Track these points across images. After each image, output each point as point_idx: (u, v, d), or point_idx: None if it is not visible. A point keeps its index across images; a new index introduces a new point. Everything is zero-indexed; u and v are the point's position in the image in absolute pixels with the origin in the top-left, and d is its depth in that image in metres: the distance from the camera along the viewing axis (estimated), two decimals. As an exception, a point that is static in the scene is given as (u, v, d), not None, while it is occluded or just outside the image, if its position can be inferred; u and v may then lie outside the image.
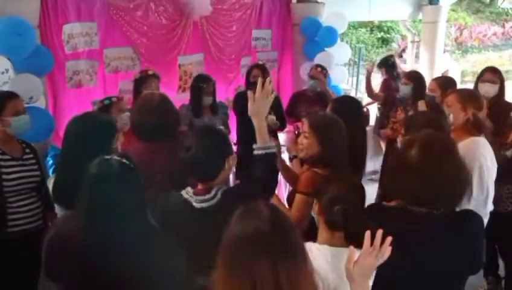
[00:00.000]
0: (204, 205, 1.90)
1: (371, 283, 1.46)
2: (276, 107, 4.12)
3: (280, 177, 2.52)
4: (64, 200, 2.17)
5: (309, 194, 2.23)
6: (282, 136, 5.06)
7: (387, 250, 1.41)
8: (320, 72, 4.54)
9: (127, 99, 3.90)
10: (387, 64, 5.64)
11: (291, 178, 2.73)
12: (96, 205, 1.61)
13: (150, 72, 3.83)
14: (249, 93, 1.98)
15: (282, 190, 5.00)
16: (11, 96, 2.64)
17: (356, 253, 1.42)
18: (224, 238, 1.21)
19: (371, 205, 1.93)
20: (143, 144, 2.43)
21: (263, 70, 4.29)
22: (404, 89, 3.99)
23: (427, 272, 1.69)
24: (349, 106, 2.89)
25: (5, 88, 3.37)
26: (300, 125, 3.97)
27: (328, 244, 1.72)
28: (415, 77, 4.04)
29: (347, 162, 2.36)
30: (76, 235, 1.65)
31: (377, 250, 1.40)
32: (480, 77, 3.54)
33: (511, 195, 3.17)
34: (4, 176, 2.52)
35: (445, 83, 3.62)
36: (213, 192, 1.91)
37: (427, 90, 3.74)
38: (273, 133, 3.90)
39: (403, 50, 5.62)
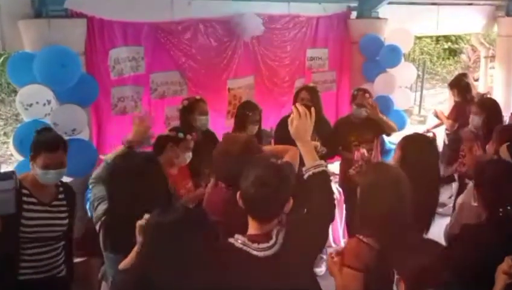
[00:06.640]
0: (268, 253, 1.71)
1: None
2: (324, 132, 3.74)
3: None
4: (116, 248, 2.06)
5: (358, 269, 1.89)
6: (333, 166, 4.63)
7: None
8: (369, 98, 3.92)
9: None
10: (460, 86, 4.98)
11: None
12: (158, 255, 1.55)
13: (198, 97, 3.64)
14: (289, 119, 1.97)
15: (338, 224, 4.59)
16: (50, 149, 2.33)
17: None
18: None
19: None
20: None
21: (312, 93, 3.89)
22: (475, 119, 3.60)
23: None
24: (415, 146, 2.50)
25: (47, 120, 3.28)
26: (364, 154, 3.57)
27: None
28: (488, 106, 3.63)
29: (403, 228, 1.91)
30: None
31: None
32: None
33: None
34: (23, 221, 2.30)
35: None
36: (273, 236, 1.74)
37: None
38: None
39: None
